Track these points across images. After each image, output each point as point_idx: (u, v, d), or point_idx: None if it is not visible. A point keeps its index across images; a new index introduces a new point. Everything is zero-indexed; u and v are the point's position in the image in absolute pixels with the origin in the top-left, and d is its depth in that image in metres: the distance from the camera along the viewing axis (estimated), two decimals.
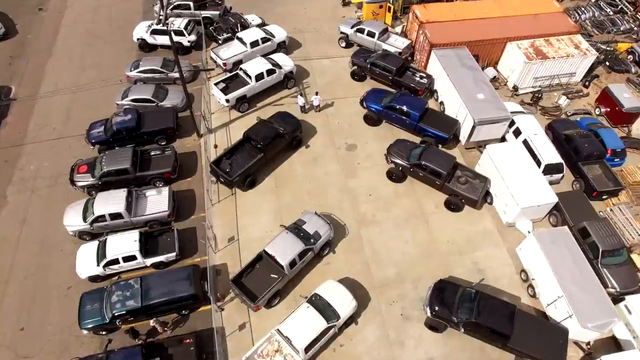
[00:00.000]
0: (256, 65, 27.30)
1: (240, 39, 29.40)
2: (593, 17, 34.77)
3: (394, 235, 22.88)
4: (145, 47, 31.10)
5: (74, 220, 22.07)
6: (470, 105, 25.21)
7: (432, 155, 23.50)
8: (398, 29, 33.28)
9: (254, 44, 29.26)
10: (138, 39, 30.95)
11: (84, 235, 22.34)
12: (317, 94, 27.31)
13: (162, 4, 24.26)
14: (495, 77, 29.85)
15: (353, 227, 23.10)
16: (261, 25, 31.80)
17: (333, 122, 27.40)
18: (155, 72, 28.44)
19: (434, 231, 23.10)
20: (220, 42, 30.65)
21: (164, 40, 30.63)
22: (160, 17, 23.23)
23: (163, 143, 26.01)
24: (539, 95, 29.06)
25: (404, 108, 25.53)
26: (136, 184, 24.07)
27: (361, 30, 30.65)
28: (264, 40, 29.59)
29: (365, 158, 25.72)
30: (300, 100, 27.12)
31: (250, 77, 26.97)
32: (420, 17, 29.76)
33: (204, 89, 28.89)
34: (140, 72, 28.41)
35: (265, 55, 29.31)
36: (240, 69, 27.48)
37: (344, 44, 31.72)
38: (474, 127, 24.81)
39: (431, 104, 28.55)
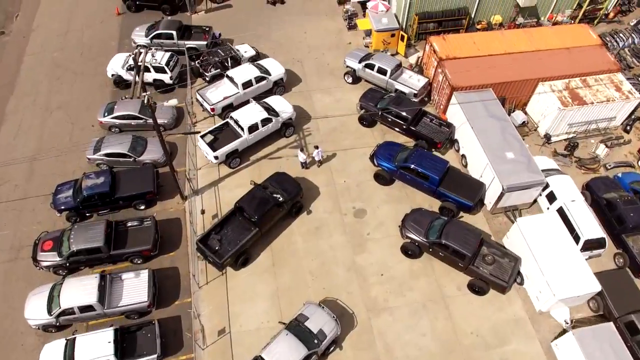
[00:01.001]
0: (249, 114, 25.42)
1: (230, 79, 27.46)
2: (633, 44, 32.91)
3: (409, 325, 21.32)
4: (122, 83, 29.13)
5: (36, 312, 20.31)
6: (498, 167, 23.50)
7: (455, 232, 21.82)
8: (413, 59, 31.35)
9: (247, 84, 27.28)
10: (113, 75, 29.01)
11: (49, 329, 20.73)
12: (317, 147, 25.51)
13: (136, 72, 21.00)
14: (524, 122, 28.13)
15: (362, 316, 21.51)
16: (255, 59, 29.83)
17: (338, 180, 25.66)
18: (132, 118, 26.61)
19: (455, 319, 21.55)
20: (207, 79, 28.70)
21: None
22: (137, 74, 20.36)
23: (142, 208, 24.25)
24: (574, 144, 27.39)
25: (421, 170, 23.84)
26: (110, 261, 22.44)
27: (370, 66, 28.71)
28: (259, 79, 27.60)
29: (376, 227, 24.05)
30: (301, 157, 25.39)
31: (242, 129, 25.15)
32: (439, 52, 27.85)
33: (189, 138, 27.07)
34: (114, 117, 26.55)
35: (259, 99, 27.46)
36: (231, 117, 25.62)
37: (350, 80, 29.81)
38: (502, 194, 23.21)
39: (451, 156, 26.87)
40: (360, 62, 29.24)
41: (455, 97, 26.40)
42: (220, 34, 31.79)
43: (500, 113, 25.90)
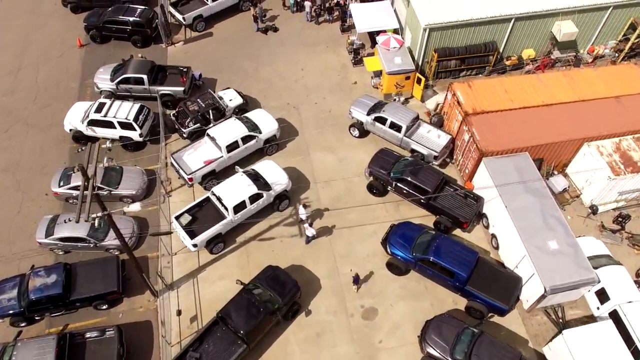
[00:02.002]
0: (235, 190, 22.28)
1: (212, 139, 24.35)
2: None
3: None
4: (82, 139, 25.99)
5: None
6: (539, 261, 20.51)
7: (488, 351, 18.88)
8: (431, 103, 28.14)
9: (232, 146, 24.13)
10: (71, 130, 25.82)
11: None
12: (304, 207, 23.12)
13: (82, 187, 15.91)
14: (565, 189, 25.20)
15: None
16: (242, 109, 26.60)
17: (343, 268, 22.62)
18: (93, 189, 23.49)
19: None
20: (184, 135, 25.54)
21: (105, 133, 25.49)
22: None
23: (104, 307, 21.25)
24: (625, 216, 24.50)
25: (445, 264, 20.92)
26: None
27: (382, 120, 25.60)
28: (247, 139, 24.50)
29: (389, 332, 21.06)
30: (310, 231, 22.65)
31: (226, 208, 22.12)
32: (464, 105, 24.72)
33: (161, 214, 23.97)
34: (73, 188, 23.48)
35: (248, 161, 24.58)
36: (213, 194, 22.57)
37: (356, 133, 26.67)
38: (544, 296, 20.34)
39: (478, 234, 23.81)
40: (369, 113, 26.03)
41: (484, 165, 23.40)
42: (200, 75, 28.47)
43: (539, 186, 22.88)
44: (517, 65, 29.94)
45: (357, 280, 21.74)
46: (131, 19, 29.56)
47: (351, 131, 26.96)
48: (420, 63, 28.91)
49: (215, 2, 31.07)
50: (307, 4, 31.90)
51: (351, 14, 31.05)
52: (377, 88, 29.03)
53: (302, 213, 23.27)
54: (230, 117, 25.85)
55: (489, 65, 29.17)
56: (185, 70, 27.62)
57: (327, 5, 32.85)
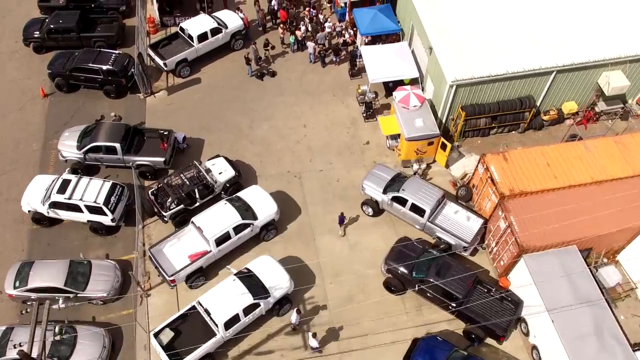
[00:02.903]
0: (226, 301, 19.37)
1: (198, 229, 21.45)
2: None
3: None
4: (44, 220, 23.05)
5: None
6: None
7: None
8: (456, 169, 25.20)
9: (222, 239, 21.17)
10: (30, 211, 22.89)
11: None
12: (299, 312, 20.35)
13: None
14: (618, 283, 22.48)
15: None
16: (234, 183, 23.60)
17: None
18: (57, 292, 20.53)
19: None
20: (165, 218, 22.64)
21: (70, 216, 22.56)
22: None
23: None
24: None
25: None
26: None
27: (401, 201, 22.67)
28: (240, 228, 21.60)
29: None
30: (313, 343, 19.96)
31: (216, 324, 19.20)
32: (499, 185, 21.76)
33: (136, 323, 20.81)
34: (30, 290, 20.57)
35: (242, 249, 21.89)
36: (200, 304, 19.63)
37: (370, 212, 23.77)
38: None
39: (515, 344, 20.85)
40: (385, 191, 23.10)
41: (525, 263, 20.59)
42: (184, 137, 25.37)
43: (591, 290, 20.14)
44: (556, 120, 27.04)
45: (342, 221, 22.76)
46: (104, 67, 26.32)
47: (364, 209, 23.96)
48: (444, 120, 26.00)
49: (202, 43, 27.83)
50: (310, 44, 28.79)
51: (361, 54, 28.09)
52: (394, 150, 26.04)
53: (295, 320, 20.54)
54: (219, 194, 23.11)
55: (524, 122, 26.33)
56: (166, 133, 24.48)
57: (332, 43, 29.79)
